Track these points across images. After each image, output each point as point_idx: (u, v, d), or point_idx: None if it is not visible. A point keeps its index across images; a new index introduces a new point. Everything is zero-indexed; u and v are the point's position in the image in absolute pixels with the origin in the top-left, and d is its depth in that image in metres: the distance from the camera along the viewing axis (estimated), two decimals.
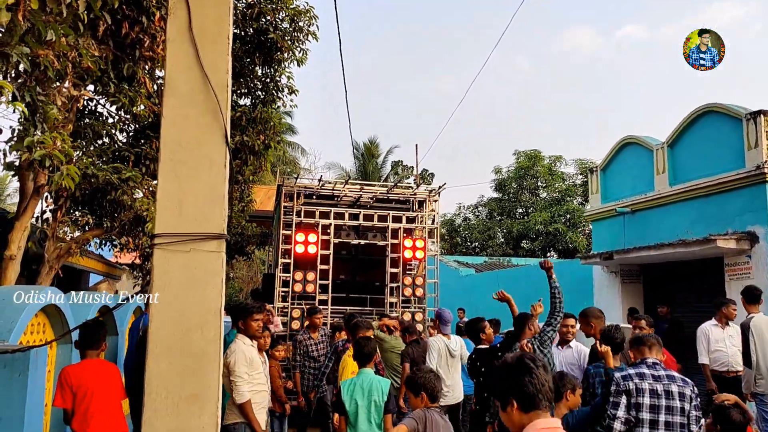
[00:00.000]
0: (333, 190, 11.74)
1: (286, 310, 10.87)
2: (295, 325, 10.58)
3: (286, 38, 10.18)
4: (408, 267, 12.11)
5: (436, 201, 12.16)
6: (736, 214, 11.32)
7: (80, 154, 8.02)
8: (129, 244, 10.65)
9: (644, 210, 13.82)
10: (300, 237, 11.01)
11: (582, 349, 6.81)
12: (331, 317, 10.75)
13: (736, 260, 11.16)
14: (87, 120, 8.54)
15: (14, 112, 5.25)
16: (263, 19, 9.96)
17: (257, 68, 10.63)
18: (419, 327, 10.68)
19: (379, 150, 37.48)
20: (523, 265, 23.24)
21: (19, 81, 5.52)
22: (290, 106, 11.26)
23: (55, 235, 8.34)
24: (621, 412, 4.70)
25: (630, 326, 8.62)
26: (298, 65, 10.60)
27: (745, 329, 8.09)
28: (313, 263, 11.18)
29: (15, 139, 5.85)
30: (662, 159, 13.32)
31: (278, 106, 11.49)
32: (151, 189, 8.41)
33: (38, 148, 5.41)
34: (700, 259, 12.10)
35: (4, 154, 6.20)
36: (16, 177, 7.42)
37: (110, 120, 8.80)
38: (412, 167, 34.96)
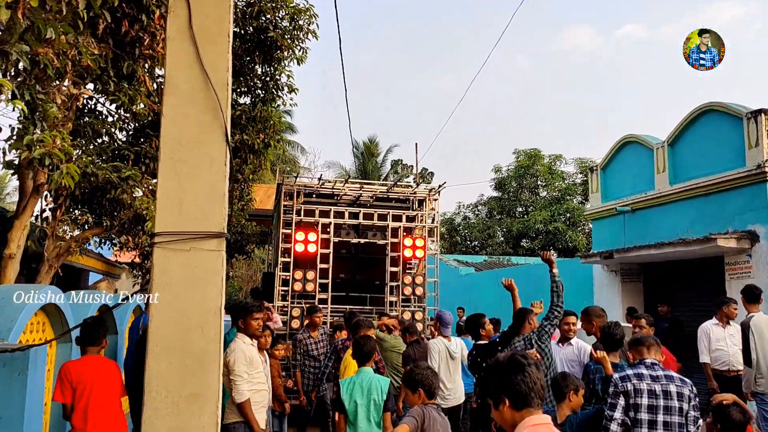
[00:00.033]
0: (333, 188, 11.74)
1: (285, 309, 10.87)
2: (295, 324, 10.58)
3: (286, 37, 10.17)
4: (408, 266, 12.10)
5: (436, 200, 12.16)
6: (737, 213, 11.31)
7: (80, 153, 8.01)
8: (129, 243, 10.64)
9: (644, 209, 13.81)
10: (300, 236, 11.01)
11: (582, 345, 6.80)
12: (330, 316, 10.74)
13: (737, 259, 11.16)
14: (86, 118, 8.52)
15: (14, 110, 5.24)
16: (263, 18, 9.95)
17: (257, 67, 10.62)
18: (419, 326, 10.67)
19: (379, 149, 37.49)
20: (523, 264, 23.26)
21: (19, 79, 5.51)
22: (290, 104, 11.26)
23: (54, 234, 8.32)
24: (618, 414, 4.71)
25: (630, 325, 8.62)
26: (298, 64, 10.59)
27: (745, 328, 8.08)
28: (312, 262, 11.17)
29: (14, 137, 5.84)
30: (662, 158, 13.30)
31: (278, 105, 11.48)
32: (150, 188, 8.40)
33: (38, 147, 5.40)
34: (701, 258, 12.10)
35: (4, 153, 6.20)
36: (16, 175, 7.41)
37: (110, 119, 8.78)
38: (412, 166, 34.96)
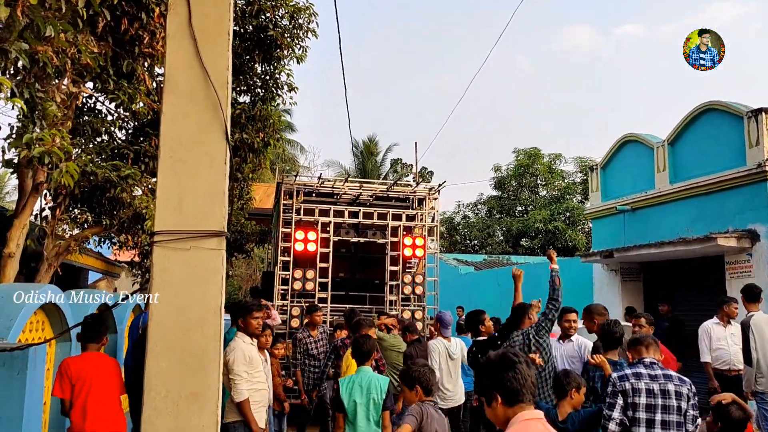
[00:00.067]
0: (333, 187, 11.72)
1: (285, 308, 10.85)
2: (295, 323, 10.57)
3: (286, 35, 10.17)
4: (408, 265, 12.09)
5: (435, 199, 12.14)
6: (737, 212, 11.30)
7: (79, 152, 8.01)
8: (128, 242, 10.62)
9: (644, 208, 13.80)
10: (299, 235, 10.99)
11: (583, 341, 6.80)
12: (330, 315, 10.73)
13: (737, 258, 11.15)
14: (86, 117, 8.52)
15: (13, 108, 5.23)
16: (263, 16, 9.94)
17: (257, 65, 10.61)
18: (419, 325, 10.66)
19: (379, 148, 37.46)
20: (523, 263, 23.21)
21: (18, 78, 5.50)
22: (289, 103, 11.25)
23: (54, 233, 8.32)
24: (616, 413, 4.75)
25: (629, 324, 8.61)
26: (298, 62, 10.59)
27: (746, 327, 8.08)
28: (312, 261, 11.15)
29: (14, 136, 5.83)
30: (663, 157, 13.30)
31: (278, 104, 11.47)
32: (150, 186, 8.39)
33: (37, 145, 5.39)
34: (701, 257, 12.09)
35: (3, 151, 6.19)
36: (15, 174, 7.40)
37: (109, 117, 8.77)
38: (411, 165, 34.94)
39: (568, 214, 30.40)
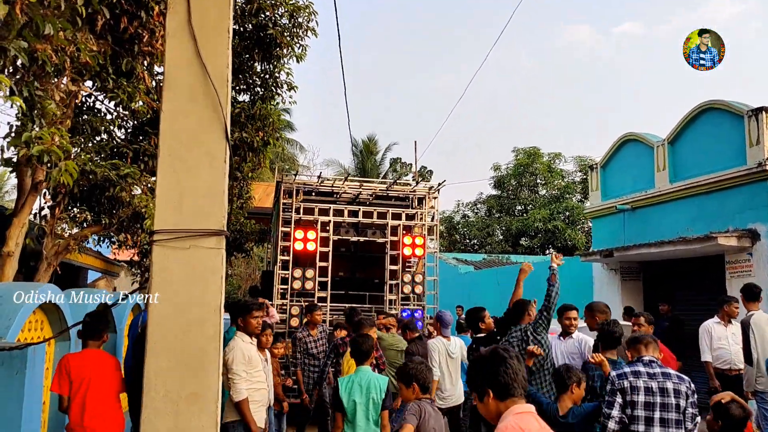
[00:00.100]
0: (332, 187, 11.69)
1: (285, 307, 10.83)
2: (294, 322, 10.55)
3: (285, 34, 10.15)
4: (407, 264, 12.07)
5: (435, 198, 12.12)
6: (737, 211, 11.29)
7: (78, 151, 7.99)
8: (127, 241, 10.60)
9: (644, 207, 13.80)
10: (299, 234, 10.96)
11: (583, 338, 6.82)
12: (330, 314, 10.72)
13: (737, 258, 11.14)
14: (85, 116, 8.50)
15: (12, 107, 5.21)
16: (262, 15, 9.93)
17: (256, 64, 10.59)
18: (418, 324, 10.65)
19: (378, 147, 37.47)
20: (522, 263, 23.20)
21: (17, 76, 5.48)
22: (289, 102, 11.24)
23: (53, 232, 8.30)
24: (615, 412, 4.81)
25: (629, 324, 8.61)
26: (298, 61, 10.57)
27: (746, 326, 8.08)
28: (312, 260, 11.13)
29: (13, 134, 5.81)
30: (663, 156, 13.29)
31: (277, 103, 11.46)
32: (149, 185, 8.37)
33: (36, 144, 5.38)
34: (701, 256, 12.09)
35: (2, 150, 6.16)
36: (14, 173, 7.38)
37: (109, 116, 8.76)
38: (411, 164, 34.95)
39: (567, 213, 30.41)
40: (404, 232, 11.64)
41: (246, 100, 10.97)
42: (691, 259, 12.47)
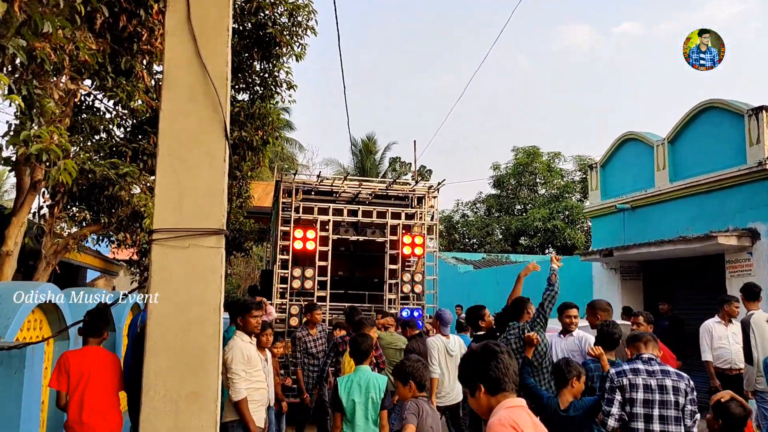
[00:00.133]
0: (332, 186, 11.68)
1: (284, 306, 10.82)
2: (294, 321, 10.54)
3: (285, 33, 10.13)
4: (407, 263, 12.05)
5: (435, 197, 12.10)
6: (737, 210, 11.28)
7: (77, 150, 7.97)
8: (126, 240, 10.59)
9: (644, 206, 13.78)
10: (298, 233, 10.95)
11: (584, 335, 6.83)
12: (329, 314, 10.71)
13: (737, 257, 11.13)
14: (84, 115, 8.49)
15: (10, 105, 5.19)
16: (262, 14, 9.91)
17: (255, 63, 10.58)
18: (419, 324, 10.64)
19: (377, 146, 37.48)
20: (522, 262, 23.20)
21: (16, 74, 5.46)
22: (288, 101, 11.23)
23: (52, 231, 8.28)
24: (615, 409, 4.85)
25: (628, 323, 8.62)
26: (297, 60, 10.56)
27: (746, 326, 8.07)
28: (311, 259, 11.12)
29: (11, 133, 5.79)
30: (663, 155, 13.27)
31: (276, 102, 11.44)
32: (148, 185, 8.36)
33: (35, 142, 5.36)
34: (701, 255, 12.07)
35: (1, 149, 6.15)
36: (13, 172, 7.37)
37: (108, 115, 8.74)
38: (410, 164, 34.94)
39: (567, 212, 30.40)
40: (404, 231, 11.63)
41: (245, 99, 10.96)
42: (691, 259, 12.46)
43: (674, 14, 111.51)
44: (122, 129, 9.35)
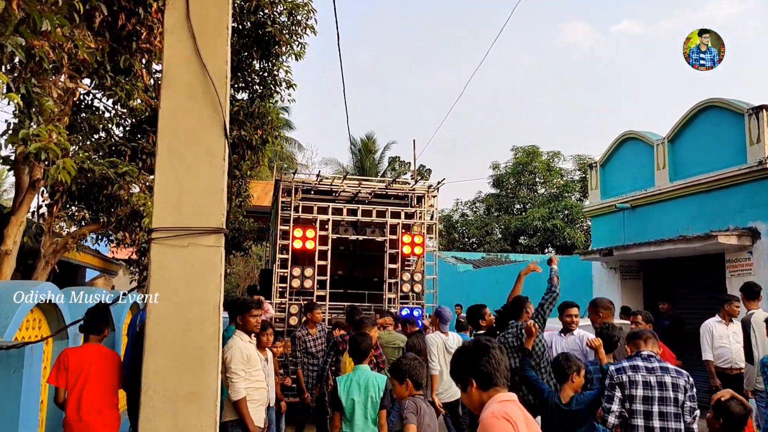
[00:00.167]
0: (331, 185, 11.66)
1: (283, 305, 10.81)
2: (294, 320, 10.52)
3: (284, 32, 10.12)
4: (406, 263, 12.04)
5: (434, 196, 12.09)
6: (738, 210, 11.27)
7: (76, 149, 7.96)
8: (125, 240, 10.58)
9: (644, 206, 13.77)
10: (298, 232, 10.94)
11: (584, 334, 6.84)
12: (329, 313, 10.70)
13: (737, 256, 11.11)
14: (83, 114, 8.47)
15: (9, 104, 5.18)
16: (261, 13, 9.89)
17: (255, 62, 10.56)
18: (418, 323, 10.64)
19: (377, 146, 37.47)
20: (521, 261, 23.21)
21: (14, 73, 5.44)
22: (288, 100, 11.21)
23: (51, 230, 8.27)
24: (615, 406, 4.89)
25: (627, 322, 8.62)
26: (296, 59, 10.54)
27: (746, 325, 8.07)
28: (311, 259, 11.11)
29: (10, 131, 5.78)
30: (663, 154, 13.26)
31: (276, 101, 11.42)
32: (148, 184, 8.34)
33: (34, 141, 5.34)
34: (701, 255, 12.06)
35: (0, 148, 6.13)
36: (12, 171, 7.35)
37: (107, 114, 8.73)
38: (409, 163, 34.95)
39: (566, 212, 30.41)
40: (403, 230, 11.62)
41: (244, 98, 10.94)
42: (691, 258, 12.45)
43: (674, 12, 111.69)
44: (121, 128, 9.34)
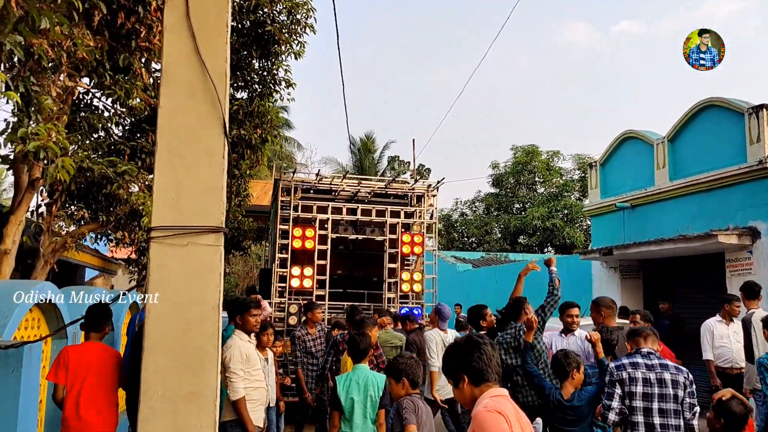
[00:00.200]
0: (331, 184, 11.65)
1: (283, 305, 10.79)
2: (293, 320, 10.51)
3: (284, 31, 10.11)
4: (406, 262, 12.04)
5: (434, 196, 12.09)
6: (738, 209, 11.25)
7: (76, 148, 7.94)
8: (125, 239, 10.57)
9: (644, 205, 13.76)
10: (297, 232, 10.92)
11: (585, 335, 6.81)
12: (328, 313, 10.68)
13: (738, 256, 11.10)
14: (82, 113, 8.45)
15: (8, 102, 5.16)
16: (260, 12, 9.89)
17: (254, 61, 10.56)
18: None
19: (376, 145, 37.44)
20: (521, 261, 23.19)
21: (13, 71, 5.43)
22: (287, 99, 11.21)
23: (50, 230, 8.25)
24: (615, 403, 4.92)
25: (626, 322, 8.62)
26: (296, 58, 10.54)
27: (747, 324, 8.06)
28: (310, 258, 11.09)
29: (9, 130, 5.76)
30: (662, 153, 13.24)
31: (275, 100, 11.42)
32: (147, 183, 8.33)
33: (33, 140, 5.33)
34: (701, 254, 12.04)
35: None
36: (11, 170, 7.33)
37: (106, 113, 8.71)
38: (409, 162, 34.94)
39: (566, 211, 30.40)
40: (403, 230, 11.61)
41: (244, 98, 10.93)
42: (691, 257, 12.43)
43: (673, 12, 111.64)
44: (120, 127, 9.33)
